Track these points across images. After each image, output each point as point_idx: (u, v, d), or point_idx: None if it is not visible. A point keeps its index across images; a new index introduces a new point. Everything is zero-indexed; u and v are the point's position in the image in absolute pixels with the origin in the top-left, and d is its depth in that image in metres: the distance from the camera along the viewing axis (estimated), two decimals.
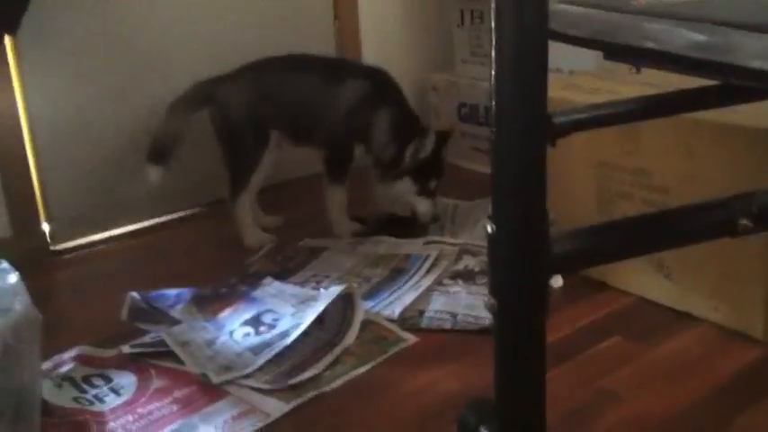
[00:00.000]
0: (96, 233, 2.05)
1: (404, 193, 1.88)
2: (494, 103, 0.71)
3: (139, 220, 2.11)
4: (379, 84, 1.90)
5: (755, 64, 0.69)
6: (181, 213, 2.16)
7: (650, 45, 0.78)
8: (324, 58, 2.03)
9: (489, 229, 0.73)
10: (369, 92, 1.88)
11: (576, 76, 1.80)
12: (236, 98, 1.90)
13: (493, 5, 0.69)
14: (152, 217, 2.12)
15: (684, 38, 0.75)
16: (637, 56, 0.84)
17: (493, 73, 0.71)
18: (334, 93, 1.87)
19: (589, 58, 1.43)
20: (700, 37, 0.74)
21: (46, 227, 1.98)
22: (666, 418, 1.22)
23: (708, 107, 1.15)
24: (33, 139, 1.94)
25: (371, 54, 2.34)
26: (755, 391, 1.25)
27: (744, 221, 0.75)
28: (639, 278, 1.53)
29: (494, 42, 0.69)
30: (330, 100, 1.87)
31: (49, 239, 1.98)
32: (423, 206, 1.88)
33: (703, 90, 0.97)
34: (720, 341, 1.39)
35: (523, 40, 0.69)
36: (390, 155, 1.85)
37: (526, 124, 0.71)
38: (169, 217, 2.14)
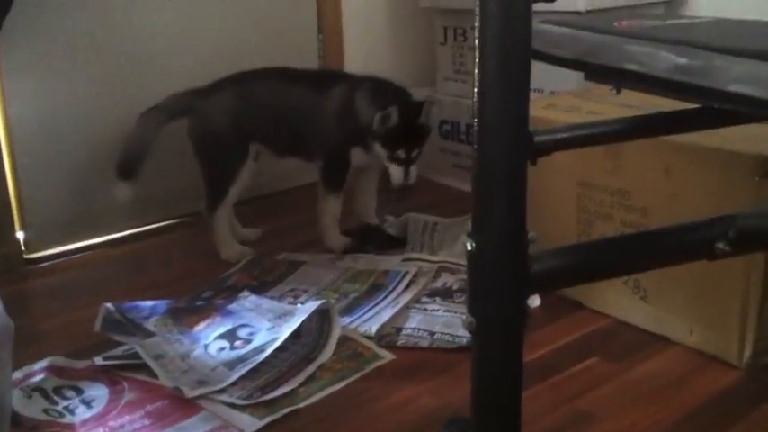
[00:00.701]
0: (73, 242, 2.03)
1: (380, 158, 1.85)
2: (476, 120, 0.71)
3: (117, 230, 2.09)
4: (358, 81, 1.91)
5: (735, 88, 0.70)
6: (158, 224, 2.15)
7: (632, 67, 0.79)
8: (305, 69, 2.03)
9: (469, 247, 0.73)
10: (349, 91, 1.88)
11: (557, 97, 1.81)
12: (217, 110, 1.89)
13: (477, 24, 0.69)
14: (129, 227, 2.10)
15: (666, 61, 0.76)
16: (618, 77, 0.84)
17: (475, 91, 0.71)
18: (321, 101, 1.88)
19: (570, 79, 1.44)
20: (681, 60, 0.75)
21: (21, 234, 1.95)
22: None
23: (688, 129, 1.15)
24: (11, 145, 1.92)
25: (354, 69, 2.34)
26: (729, 416, 1.25)
27: (721, 245, 0.75)
28: (616, 299, 1.54)
29: (477, 61, 0.69)
30: (318, 109, 1.87)
31: (23, 247, 1.96)
32: (394, 172, 1.85)
33: (684, 112, 0.98)
34: (696, 364, 1.40)
35: (506, 60, 0.69)
36: (370, 121, 1.82)
37: (508, 142, 0.71)
38: (146, 227, 2.12)
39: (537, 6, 0.71)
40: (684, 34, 0.84)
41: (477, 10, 0.68)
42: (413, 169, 1.86)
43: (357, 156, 1.88)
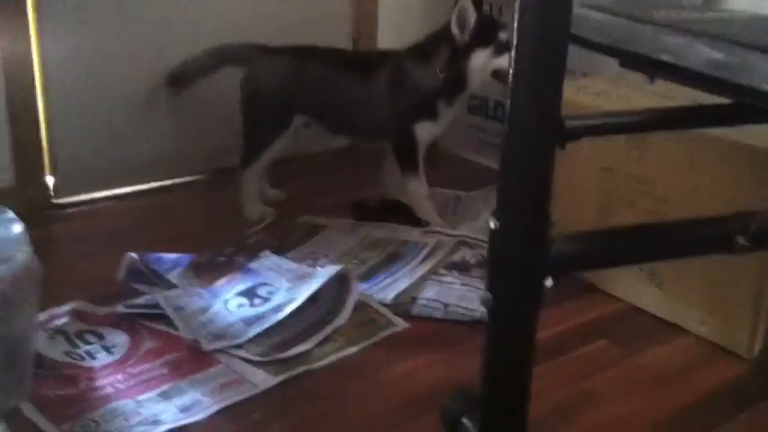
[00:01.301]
0: (101, 190, 2.05)
1: (485, 66, 1.80)
2: (508, 101, 0.72)
3: (145, 181, 2.11)
4: (400, 55, 1.89)
5: None
6: (186, 178, 2.16)
7: (666, 58, 0.79)
8: (358, 52, 2.03)
9: (492, 225, 0.75)
10: (396, 67, 1.86)
11: (589, 80, 1.80)
12: (273, 71, 1.90)
13: (516, 6, 0.70)
14: (157, 179, 2.13)
15: (701, 54, 0.77)
16: (652, 67, 0.85)
17: (510, 72, 0.72)
18: (370, 86, 1.87)
19: (604, 64, 1.44)
20: (716, 55, 0.75)
21: (50, 179, 1.99)
22: (643, 424, 1.24)
23: (718, 124, 1.16)
24: (45, 90, 1.94)
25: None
26: (732, 407, 1.27)
27: (741, 240, 0.76)
28: (631, 285, 1.55)
29: (514, 42, 0.70)
30: (368, 94, 1.87)
31: (52, 192, 1.99)
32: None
33: (715, 107, 0.98)
34: (704, 354, 1.41)
35: (544, 43, 0.70)
36: (432, 78, 1.81)
37: (539, 126, 0.72)
38: (174, 181, 2.15)
39: None
40: (721, 29, 0.85)
41: None
42: None
43: (424, 129, 1.86)
